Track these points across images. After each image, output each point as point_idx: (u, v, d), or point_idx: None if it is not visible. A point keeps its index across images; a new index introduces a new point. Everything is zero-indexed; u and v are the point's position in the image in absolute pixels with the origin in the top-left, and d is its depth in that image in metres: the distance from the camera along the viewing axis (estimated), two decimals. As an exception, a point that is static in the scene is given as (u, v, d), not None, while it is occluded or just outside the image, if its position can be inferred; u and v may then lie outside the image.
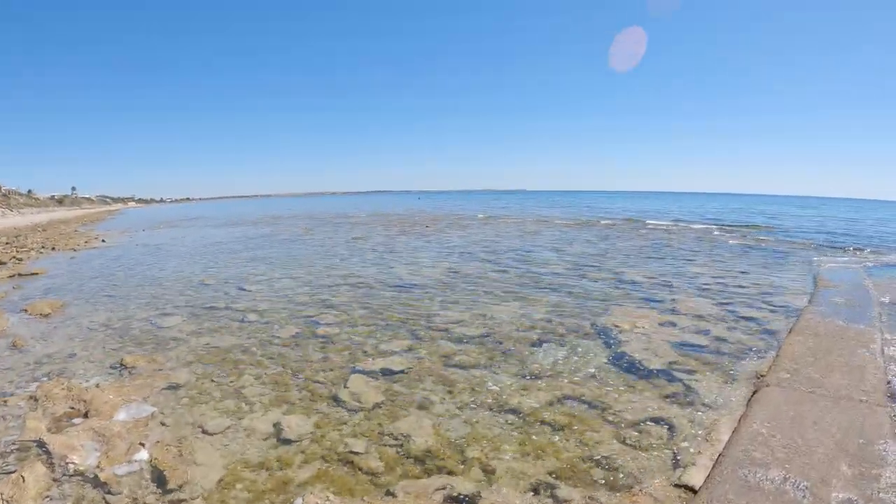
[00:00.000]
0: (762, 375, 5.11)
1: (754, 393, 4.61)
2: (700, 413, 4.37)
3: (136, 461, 3.67)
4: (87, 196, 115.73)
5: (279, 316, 7.70)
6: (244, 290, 9.75)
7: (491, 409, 4.47)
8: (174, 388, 5.05)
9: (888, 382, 4.90)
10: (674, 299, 8.44)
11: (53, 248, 18.01)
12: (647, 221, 28.89)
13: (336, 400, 4.68)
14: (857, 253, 14.92)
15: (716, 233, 21.92)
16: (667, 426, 4.18)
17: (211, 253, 16.33)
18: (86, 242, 20.37)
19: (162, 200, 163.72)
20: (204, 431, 4.14)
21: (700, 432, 4.02)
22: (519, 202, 70.05)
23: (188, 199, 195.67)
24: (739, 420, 4.06)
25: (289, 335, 6.68)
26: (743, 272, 11.08)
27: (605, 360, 5.70)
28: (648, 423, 4.23)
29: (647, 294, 8.89)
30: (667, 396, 4.77)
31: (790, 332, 6.28)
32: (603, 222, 28.49)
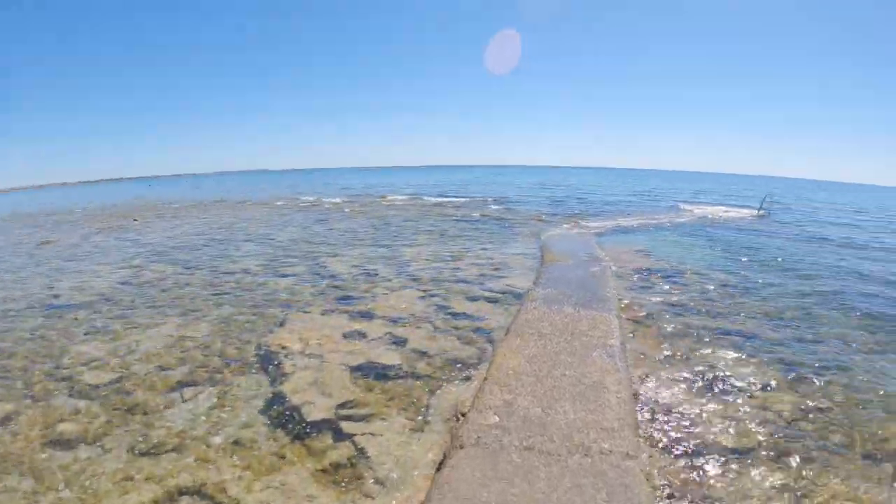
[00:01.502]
0: (464, 414, 3.42)
1: (443, 461, 2.83)
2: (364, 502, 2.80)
3: None
4: None
5: None
6: None
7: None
8: None
9: (636, 403, 3.57)
10: (374, 295, 6.73)
11: None
12: (383, 197, 26.29)
13: None
14: (587, 219, 15.04)
15: (448, 207, 20.30)
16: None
17: None
18: None
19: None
20: None
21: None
22: (268, 183, 60.71)
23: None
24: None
25: None
26: (464, 250, 9.96)
27: (258, 410, 3.80)
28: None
29: (342, 290, 7.07)
30: (324, 471, 3.08)
31: (507, 332, 4.87)
32: (334, 201, 25.27)
